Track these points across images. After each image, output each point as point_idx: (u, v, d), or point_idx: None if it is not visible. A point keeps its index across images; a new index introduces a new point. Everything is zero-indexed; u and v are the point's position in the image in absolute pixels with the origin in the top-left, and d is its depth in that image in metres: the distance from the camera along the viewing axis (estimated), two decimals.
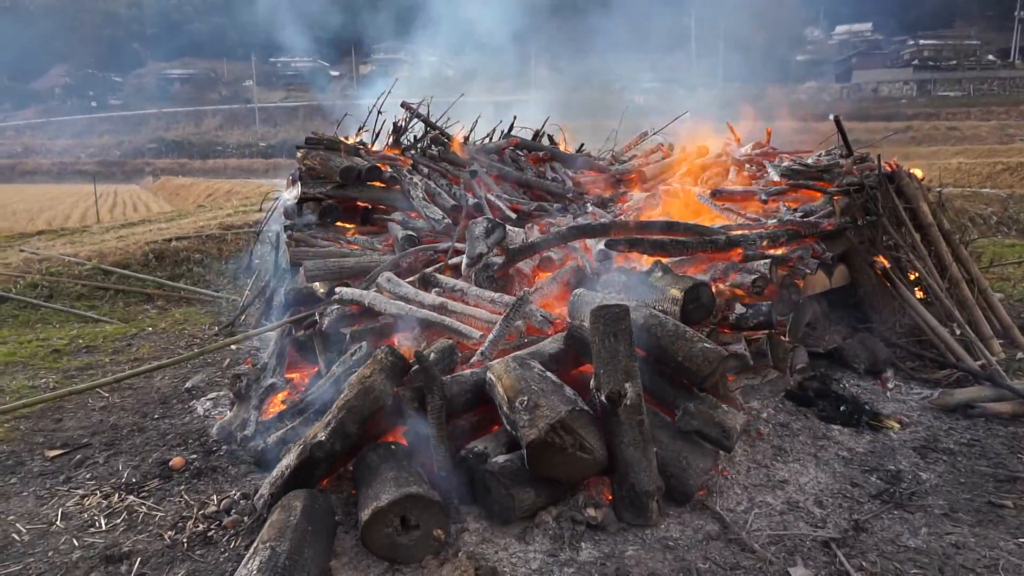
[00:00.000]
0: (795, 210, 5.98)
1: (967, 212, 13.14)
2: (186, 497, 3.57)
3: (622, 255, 5.02)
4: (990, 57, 61.98)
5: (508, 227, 5.56)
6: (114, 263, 9.77)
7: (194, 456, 4.08)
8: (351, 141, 7.87)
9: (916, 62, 60.65)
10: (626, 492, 3.15)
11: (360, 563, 2.88)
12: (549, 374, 3.44)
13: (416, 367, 3.45)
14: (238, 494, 3.50)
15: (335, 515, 3.17)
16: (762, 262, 4.75)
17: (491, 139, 9.28)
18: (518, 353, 3.70)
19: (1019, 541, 3.06)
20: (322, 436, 3.23)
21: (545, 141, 9.75)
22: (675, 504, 3.30)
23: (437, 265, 5.44)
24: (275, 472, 3.31)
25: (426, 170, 7.43)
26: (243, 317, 7.33)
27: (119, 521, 3.36)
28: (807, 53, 65.12)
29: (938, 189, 6.69)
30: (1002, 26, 61.96)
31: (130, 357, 6.36)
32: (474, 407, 3.61)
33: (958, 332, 5.25)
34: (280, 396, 4.58)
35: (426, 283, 5.05)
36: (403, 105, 8.73)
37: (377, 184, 7.06)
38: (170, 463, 3.96)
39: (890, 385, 4.92)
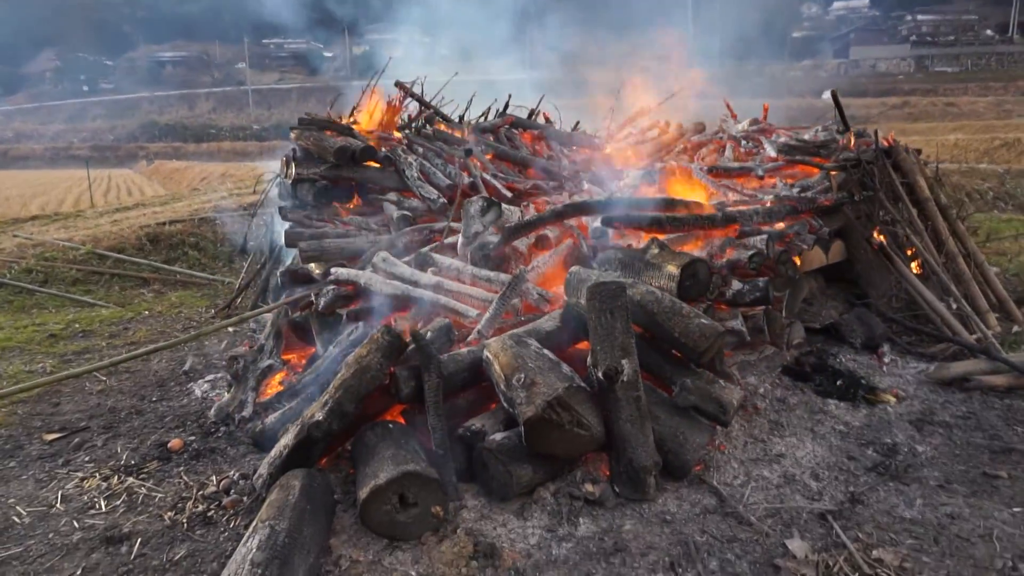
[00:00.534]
0: (792, 186, 5.96)
1: (964, 188, 13.12)
2: (185, 478, 3.58)
3: (618, 232, 5.00)
4: (988, 32, 61.58)
5: (504, 206, 5.53)
6: (109, 247, 9.72)
7: (192, 438, 4.09)
8: (345, 121, 7.80)
9: (914, 38, 60.27)
10: (623, 467, 3.16)
11: (359, 541, 2.90)
12: (546, 351, 3.44)
13: (413, 346, 3.44)
14: (237, 474, 3.51)
15: (334, 494, 3.18)
16: (759, 238, 4.73)
17: (486, 118, 9.21)
18: (515, 331, 3.70)
19: (1013, 511, 3.08)
20: (319, 416, 3.23)
21: (540, 120, 9.69)
22: (672, 479, 3.31)
23: (433, 244, 5.42)
24: (273, 452, 3.32)
25: (421, 149, 7.38)
26: (239, 299, 7.32)
27: (119, 503, 3.37)
28: (804, 29, 64.63)
29: (935, 164, 6.67)
30: (1000, 0, 61.45)
31: (127, 341, 6.35)
32: (471, 385, 3.62)
33: (954, 306, 5.26)
34: (277, 377, 4.58)
35: (422, 263, 5.03)
36: (397, 84, 8.65)
37: (372, 164, 7.01)
38: (169, 445, 3.96)
39: (886, 359, 4.94)
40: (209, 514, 3.21)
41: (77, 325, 6.87)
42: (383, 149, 7.10)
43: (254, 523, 2.74)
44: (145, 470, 3.70)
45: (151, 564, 2.87)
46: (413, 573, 2.71)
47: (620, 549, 2.83)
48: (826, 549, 2.82)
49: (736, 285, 4.46)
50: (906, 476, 3.41)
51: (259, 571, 2.41)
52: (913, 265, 5.58)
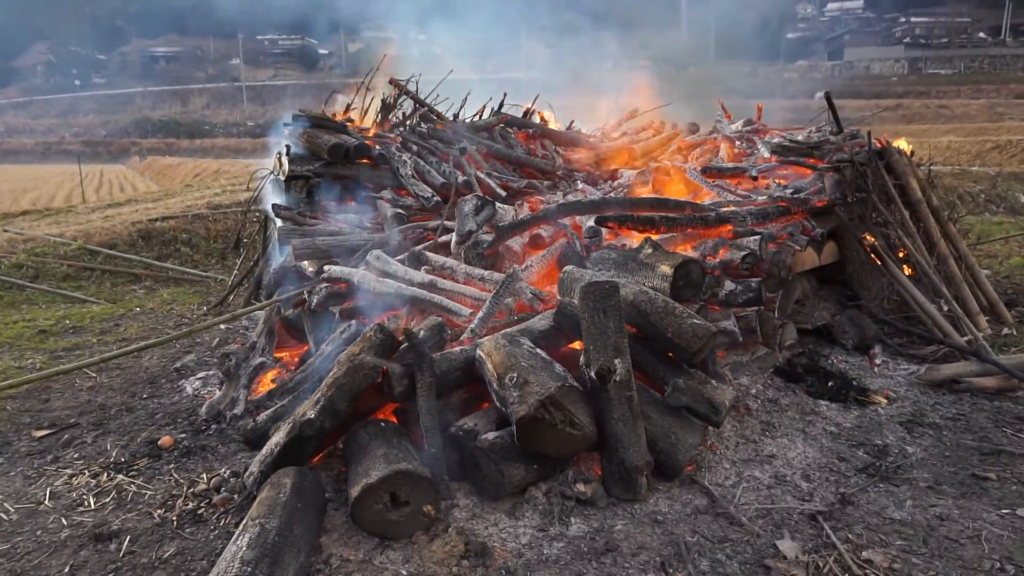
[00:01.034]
0: (785, 187, 5.98)
1: (956, 190, 13.18)
2: (175, 476, 3.56)
3: (612, 232, 5.01)
4: (981, 35, 61.89)
5: (498, 204, 5.53)
6: (100, 243, 9.66)
7: (183, 435, 4.07)
8: (339, 118, 7.77)
9: (907, 40, 60.53)
10: (615, 467, 3.16)
11: (350, 539, 2.89)
12: (539, 351, 3.44)
13: (406, 345, 3.43)
14: (228, 472, 3.50)
15: (325, 492, 3.17)
16: (752, 239, 4.74)
17: (480, 116, 9.20)
18: (508, 330, 3.70)
19: (1001, 512, 3.10)
20: (311, 414, 3.22)
21: (535, 119, 9.68)
22: (664, 479, 3.31)
23: (426, 243, 5.40)
24: (264, 450, 3.31)
25: (415, 147, 7.36)
26: (232, 296, 7.28)
27: (108, 500, 3.35)
28: (799, 31, 64.84)
29: (927, 166, 6.70)
30: (994, 3, 61.76)
31: (118, 337, 6.31)
32: (464, 384, 3.61)
33: (945, 308, 5.29)
34: (269, 375, 4.57)
35: (415, 261, 5.02)
36: (392, 82, 8.63)
37: (366, 162, 6.99)
38: (159, 442, 3.94)
39: (878, 361, 4.96)
40: (199, 512, 3.20)
41: (68, 321, 6.83)
42: (377, 147, 7.08)
43: (244, 521, 2.73)
44: (135, 467, 3.68)
45: (140, 562, 2.86)
46: (404, 572, 2.70)
47: (611, 549, 2.83)
48: (816, 550, 2.83)
49: (729, 285, 4.47)
50: (896, 477, 3.43)
51: (249, 569, 2.40)
52: (905, 267, 5.61)
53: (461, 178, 6.74)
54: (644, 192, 6.50)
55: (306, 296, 4.97)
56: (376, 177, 6.94)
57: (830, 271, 5.70)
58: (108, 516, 3.20)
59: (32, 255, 9.10)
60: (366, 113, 8.35)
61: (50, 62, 79.01)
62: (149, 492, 3.41)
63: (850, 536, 2.92)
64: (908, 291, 5.32)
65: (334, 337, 4.25)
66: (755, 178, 6.30)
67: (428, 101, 8.82)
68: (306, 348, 4.82)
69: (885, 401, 4.34)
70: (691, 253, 4.68)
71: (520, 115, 9.47)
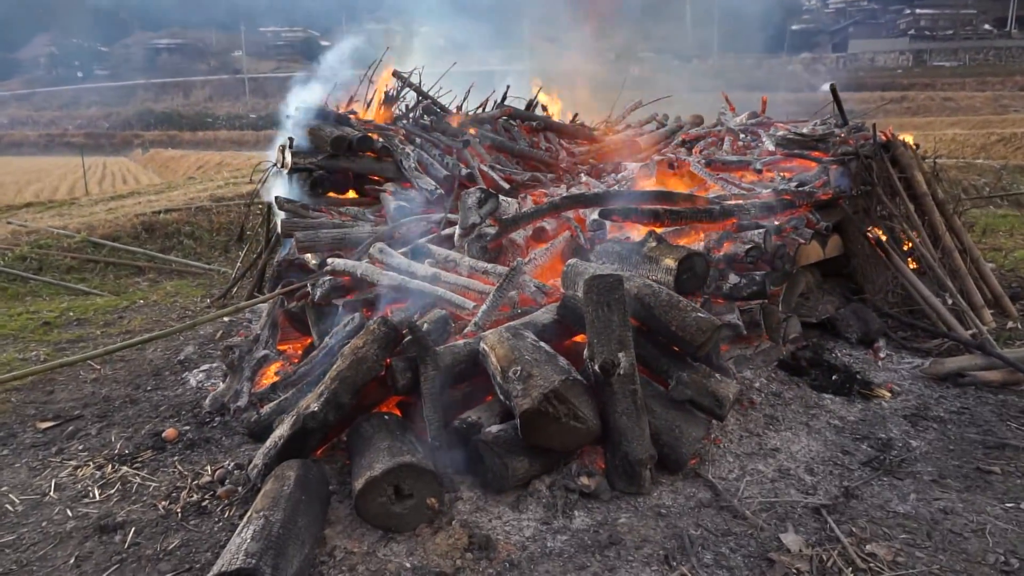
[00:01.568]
0: (790, 180, 5.95)
1: (961, 183, 13.12)
2: (180, 468, 3.57)
3: (616, 225, 4.99)
4: (987, 27, 61.44)
5: (501, 197, 5.51)
6: (104, 236, 9.68)
7: (187, 427, 4.08)
8: (342, 110, 7.76)
9: (912, 32, 60.13)
10: (619, 461, 3.16)
11: (354, 532, 2.90)
12: (543, 344, 3.43)
13: (409, 338, 3.43)
14: (232, 464, 3.50)
15: (329, 484, 3.18)
16: (756, 232, 4.73)
17: (484, 109, 9.17)
18: (512, 323, 3.69)
19: (1006, 506, 3.10)
20: (315, 407, 3.22)
21: (538, 111, 9.65)
22: (668, 472, 3.32)
23: (430, 236, 5.40)
24: (268, 442, 3.31)
25: (418, 140, 7.35)
26: (235, 289, 7.29)
27: (113, 492, 3.37)
28: (803, 23, 64.43)
29: (932, 159, 6.66)
30: None
31: (121, 329, 6.33)
32: (468, 378, 3.61)
33: (950, 302, 5.27)
34: (273, 367, 4.57)
35: (419, 254, 5.01)
36: (394, 74, 8.59)
37: (369, 154, 6.98)
38: (163, 434, 3.95)
39: (882, 355, 4.95)
40: (203, 504, 3.21)
41: (71, 313, 6.84)
42: (380, 139, 7.06)
43: (248, 513, 2.74)
44: (139, 459, 3.69)
45: (145, 553, 2.87)
46: (408, 564, 2.71)
47: (615, 542, 2.84)
48: (820, 543, 2.83)
49: (733, 279, 4.46)
50: (900, 471, 3.42)
51: (253, 561, 2.40)
52: (909, 260, 5.59)
53: (464, 171, 6.73)
54: (648, 185, 6.48)
55: (309, 288, 4.97)
56: (379, 169, 6.93)
57: (835, 264, 5.68)
58: (113, 508, 3.22)
59: (36, 247, 9.12)
60: (369, 105, 8.32)
61: (53, 54, 78.83)
62: (153, 484, 3.42)
63: (854, 529, 2.92)
64: (913, 285, 5.30)
65: (338, 330, 4.25)
66: (759, 171, 6.27)
67: (431, 94, 8.80)
68: (310, 341, 4.82)
69: (889, 395, 4.33)
70: (695, 246, 4.67)
71: (523, 107, 9.44)
